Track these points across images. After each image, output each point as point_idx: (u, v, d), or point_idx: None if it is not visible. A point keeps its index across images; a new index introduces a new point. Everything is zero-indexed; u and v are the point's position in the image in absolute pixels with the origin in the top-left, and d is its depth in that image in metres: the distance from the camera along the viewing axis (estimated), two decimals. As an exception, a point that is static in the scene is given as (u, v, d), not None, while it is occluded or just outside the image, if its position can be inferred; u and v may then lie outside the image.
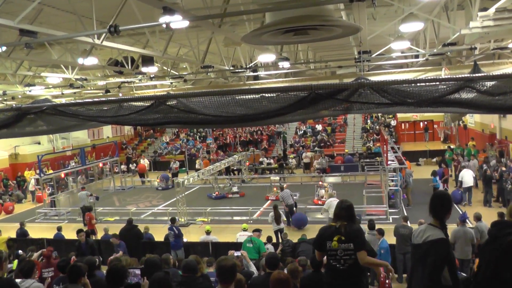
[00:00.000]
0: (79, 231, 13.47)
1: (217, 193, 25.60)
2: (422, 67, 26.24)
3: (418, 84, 5.43)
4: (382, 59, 22.67)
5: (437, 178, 20.63)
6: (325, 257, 5.68)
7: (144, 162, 34.66)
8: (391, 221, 18.16)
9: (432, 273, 4.51)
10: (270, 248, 12.40)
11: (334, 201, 17.35)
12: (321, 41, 12.55)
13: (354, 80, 5.49)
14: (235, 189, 25.85)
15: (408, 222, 13.30)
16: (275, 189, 24.49)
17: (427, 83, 5.43)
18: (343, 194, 23.74)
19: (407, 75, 26.27)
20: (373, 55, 20.00)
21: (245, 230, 14.51)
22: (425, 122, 42.70)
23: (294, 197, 19.11)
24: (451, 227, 11.48)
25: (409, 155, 30.22)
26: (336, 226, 5.51)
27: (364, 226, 12.19)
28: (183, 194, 20.91)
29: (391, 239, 13.06)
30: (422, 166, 31.45)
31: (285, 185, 22.42)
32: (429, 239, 4.56)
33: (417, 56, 22.88)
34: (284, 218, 16.71)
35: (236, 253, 10.32)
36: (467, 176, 20.50)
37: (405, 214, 17.40)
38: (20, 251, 13.17)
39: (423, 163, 32.14)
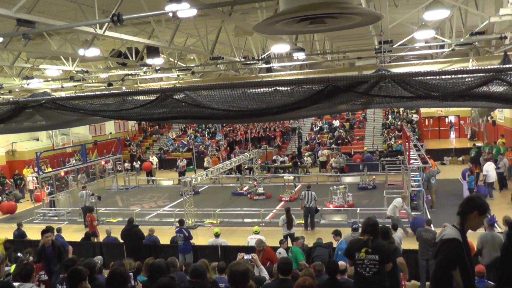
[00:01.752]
0: (44, 232, 11.60)
1: (244, 189, 25.71)
2: (448, 58, 26.08)
3: (444, 76, 5.39)
4: (404, 49, 22.54)
5: (473, 177, 20.67)
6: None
7: (153, 159, 34.69)
8: (413, 224, 18.06)
9: (438, 272, 4.63)
10: (282, 252, 12.39)
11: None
12: (339, 30, 12.50)
13: (375, 72, 5.46)
14: (260, 190, 25.38)
15: (432, 225, 13.21)
16: (288, 189, 24.47)
17: (453, 75, 5.39)
18: (361, 195, 23.74)
19: (432, 67, 26.08)
20: (395, 45, 19.89)
21: (256, 233, 14.48)
22: (451, 118, 42.44)
23: (316, 200, 19.02)
24: (478, 232, 11.40)
25: (433, 154, 30.03)
26: (364, 239, 6.85)
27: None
28: (190, 194, 20.96)
29: (413, 244, 12.99)
30: (448, 165, 31.22)
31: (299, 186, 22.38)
32: (443, 238, 4.68)
33: (442, 46, 22.71)
34: (295, 222, 16.63)
35: (246, 257, 10.33)
36: (492, 170, 20.71)
37: (429, 217, 17.30)
38: (19, 254, 13.24)
39: (449, 162, 31.90)
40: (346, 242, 12.75)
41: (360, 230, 12.86)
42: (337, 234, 12.82)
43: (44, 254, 11.19)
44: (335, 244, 12.82)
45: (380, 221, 12.24)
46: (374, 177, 26.49)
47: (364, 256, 6.75)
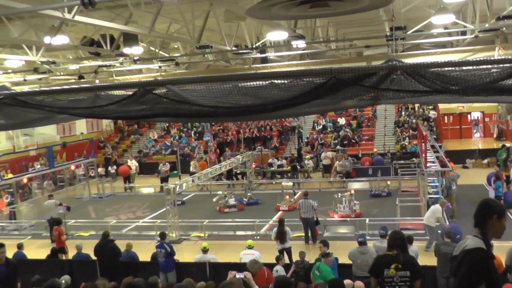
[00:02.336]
0: None
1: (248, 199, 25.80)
2: (470, 46, 26.17)
3: (465, 67, 5.41)
4: (420, 36, 22.60)
5: (501, 182, 20.82)
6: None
7: (131, 163, 34.58)
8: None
9: (461, 287, 4.59)
10: (279, 270, 12.41)
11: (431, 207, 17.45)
12: (345, 15, 12.52)
13: (385, 63, 5.48)
14: (232, 201, 25.06)
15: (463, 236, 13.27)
16: (287, 197, 24.46)
17: (476, 66, 5.41)
18: (370, 204, 23.79)
19: (451, 57, 26.17)
20: (409, 32, 19.94)
21: (250, 247, 14.49)
22: (474, 115, 42.54)
23: (315, 210, 18.95)
24: (506, 245, 11.44)
25: (453, 156, 30.10)
26: (393, 254, 6.96)
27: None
28: (174, 204, 20.93)
29: (431, 259, 13.03)
30: (470, 168, 31.31)
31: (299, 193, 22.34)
32: (466, 248, 4.69)
33: (464, 33, 22.81)
34: (290, 235, 16.57)
35: (239, 275, 10.32)
36: None
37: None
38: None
39: (472, 165, 31.99)
40: (351, 257, 12.84)
41: (364, 243, 13.07)
42: (324, 245, 12.86)
43: None
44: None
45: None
46: (389, 182, 26.48)
47: (394, 273, 6.86)
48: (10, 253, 16.79)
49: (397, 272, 6.85)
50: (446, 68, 5.38)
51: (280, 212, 23.24)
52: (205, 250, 14.89)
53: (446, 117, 42.01)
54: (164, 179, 31.09)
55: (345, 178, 28.97)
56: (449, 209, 20.75)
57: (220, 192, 26.47)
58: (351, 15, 13.42)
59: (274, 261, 13.06)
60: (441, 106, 38.56)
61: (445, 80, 5.36)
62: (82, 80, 30.21)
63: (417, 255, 12.84)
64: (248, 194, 26.23)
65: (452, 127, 42.42)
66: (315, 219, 18.87)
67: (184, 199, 27.46)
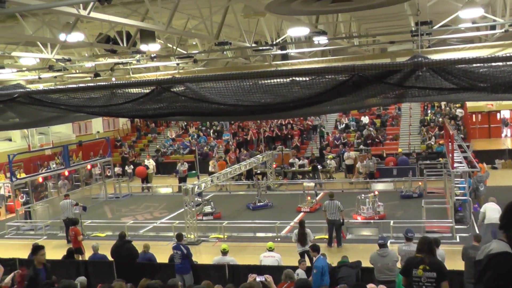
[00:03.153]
0: (36, 250, 10.76)
1: (255, 202, 25.63)
2: (500, 41, 25.84)
3: (494, 64, 5.36)
4: (446, 31, 22.37)
5: None
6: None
7: (149, 163, 34.71)
8: (458, 240, 17.94)
9: None
10: (300, 273, 12.37)
11: (490, 205, 16.94)
12: (368, 10, 12.45)
13: (410, 59, 5.44)
14: (208, 209, 24.39)
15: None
16: (309, 198, 24.36)
17: (506, 62, 5.35)
18: (395, 205, 23.63)
19: (479, 52, 25.91)
20: (435, 27, 19.79)
21: (270, 249, 14.45)
22: (504, 113, 42.08)
23: (341, 211, 18.80)
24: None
25: (482, 156, 29.82)
26: (421, 256, 7.88)
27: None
28: (192, 204, 20.98)
29: (457, 263, 12.92)
30: (500, 169, 31.00)
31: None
32: (491, 252, 4.61)
33: (493, 27, 22.56)
34: (311, 237, 16.47)
35: (259, 278, 10.32)
36: None
37: (477, 231, 17.17)
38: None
39: (501, 166, 31.67)
40: (371, 261, 12.76)
41: (385, 245, 13.04)
42: (314, 249, 12.85)
43: (35, 280, 10.14)
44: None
45: (418, 235, 12.27)
46: (420, 183, 26.30)
47: (422, 273, 7.77)
48: (25, 253, 16.98)
49: (425, 272, 7.74)
50: (474, 65, 5.33)
51: (301, 214, 23.19)
52: (224, 252, 14.86)
53: (474, 116, 41.64)
54: (182, 179, 31.24)
55: (368, 178, 28.83)
56: (476, 211, 20.55)
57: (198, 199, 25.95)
58: (374, 9, 13.33)
59: (295, 264, 13.04)
60: (469, 104, 38.22)
61: (473, 77, 5.31)
62: (98, 78, 30.38)
63: (444, 259, 12.73)
64: (256, 197, 26.05)
65: (481, 126, 42.03)
66: (342, 220, 18.77)
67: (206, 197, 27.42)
